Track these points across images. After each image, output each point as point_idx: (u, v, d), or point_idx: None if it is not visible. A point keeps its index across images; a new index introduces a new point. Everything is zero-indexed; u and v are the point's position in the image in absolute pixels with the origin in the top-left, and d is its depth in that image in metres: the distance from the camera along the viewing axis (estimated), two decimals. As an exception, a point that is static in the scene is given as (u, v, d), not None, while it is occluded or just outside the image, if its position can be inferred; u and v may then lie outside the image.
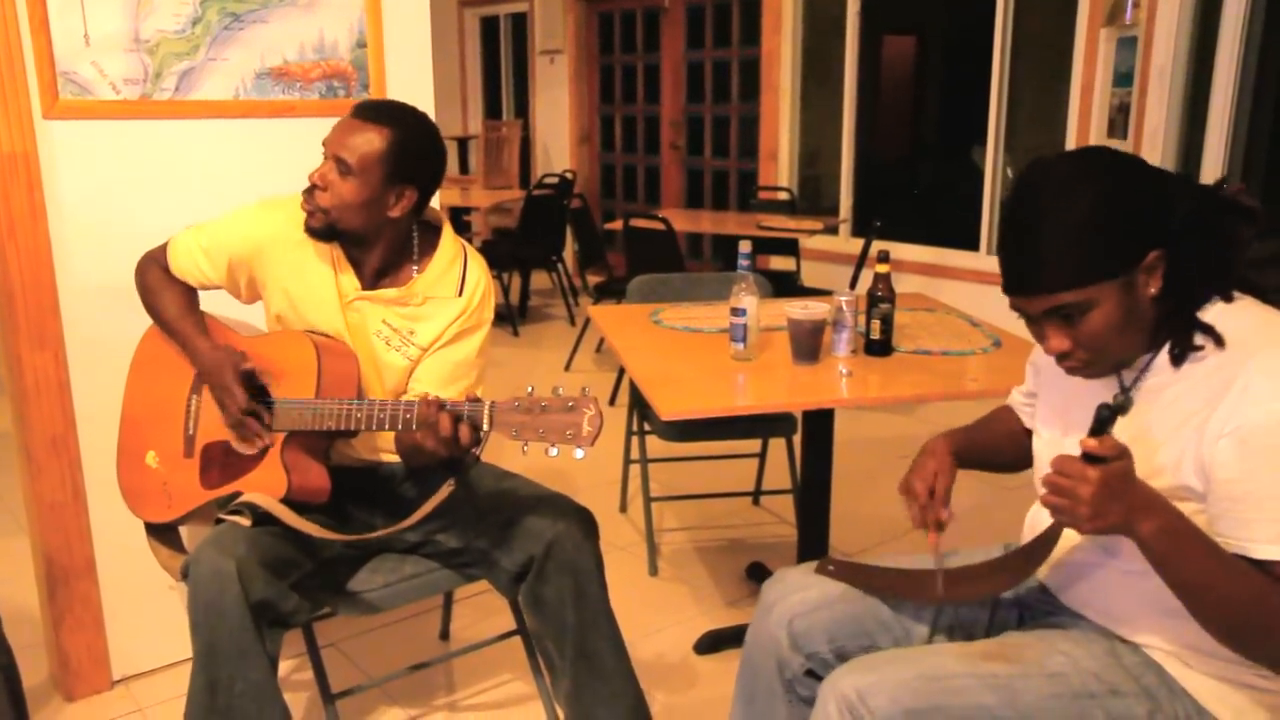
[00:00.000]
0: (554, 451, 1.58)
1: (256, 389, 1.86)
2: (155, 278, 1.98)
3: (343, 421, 1.76)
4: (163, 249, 1.99)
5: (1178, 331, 1.28)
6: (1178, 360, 1.28)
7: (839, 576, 1.57)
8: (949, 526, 1.54)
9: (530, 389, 1.62)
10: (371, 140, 1.79)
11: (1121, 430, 1.25)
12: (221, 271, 1.95)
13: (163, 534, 2.01)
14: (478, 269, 1.99)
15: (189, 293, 1.99)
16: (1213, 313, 1.27)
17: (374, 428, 1.75)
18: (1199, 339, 1.27)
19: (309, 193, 1.83)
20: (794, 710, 1.56)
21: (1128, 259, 1.23)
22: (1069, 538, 1.43)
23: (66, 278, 2.16)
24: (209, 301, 2.03)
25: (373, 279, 1.93)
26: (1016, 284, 1.28)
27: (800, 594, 1.56)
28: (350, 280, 1.92)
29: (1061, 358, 1.31)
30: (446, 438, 1.63)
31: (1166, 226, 1.25)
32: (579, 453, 1.57)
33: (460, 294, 1.95)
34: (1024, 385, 1.66)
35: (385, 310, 1.92)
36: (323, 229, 1.84)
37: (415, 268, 1.94)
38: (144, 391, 2.02)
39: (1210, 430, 1.21)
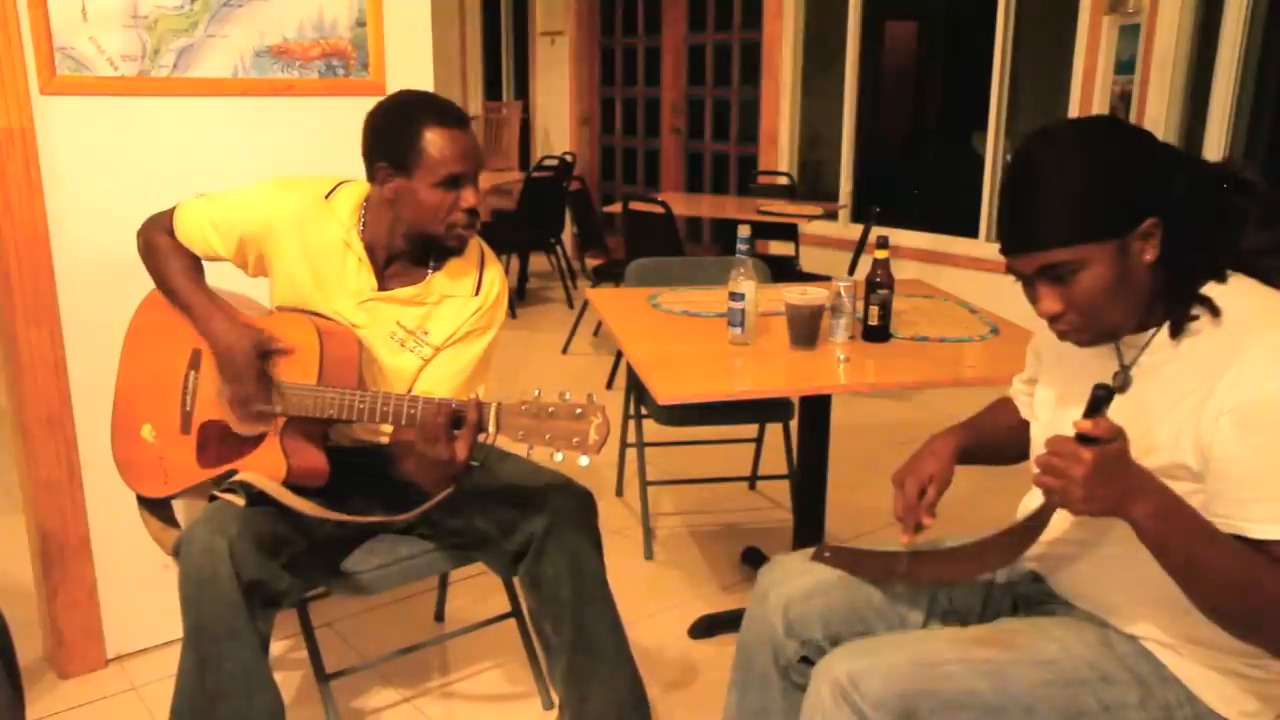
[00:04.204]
0: (559, 457, 1.59)
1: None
2: (162, 242, 1.94)
3: (345, 411, 1.75)
4: (169, 214, 1.95)
5: (1175, 304, 1.28)
6: (1176, 332, 1.28)
7: (834, 564, 1.58)
8: (931, 525, 1.55)
9: (537, 392, 1.62)
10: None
11: (1119, 407, 1.25)
12: (231, 247, 1.92)
13: (155, 506, 2.00)
14: (495, 271, 1.98)
15: (196, 262, 1.95)
16: (1213, 292, 1.27)
17: (376, 420, 1.74)
18: (1196, 310, 1.26)
19: (474, 216, 1.83)
20: (789, 697, 1.56)
21: (1122, 222, 1.23)
22: (1057, 526, 1.42)
23: (63, 255, 2.15)
24: (211, 277, 2.01)
25: (390, 278, 1.91)
26: (1011, 241, 1.29)
27: (795, 580, 1.56)
28: (368, 278, 1.89)
29: (1053, 320, 1.31)
30: (444, 451, 1.63)
31: (1165, 195, 1.25)
32: (584, 460, 1.57)
33: (476, 293, 1.94)
34: (1024, 373, 1.65)
35: (399, 310, 1.91)
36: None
37: (432, 265, 1.92)
38: (139, 363, 2.01)
39: (1210, 408, 1.21)
